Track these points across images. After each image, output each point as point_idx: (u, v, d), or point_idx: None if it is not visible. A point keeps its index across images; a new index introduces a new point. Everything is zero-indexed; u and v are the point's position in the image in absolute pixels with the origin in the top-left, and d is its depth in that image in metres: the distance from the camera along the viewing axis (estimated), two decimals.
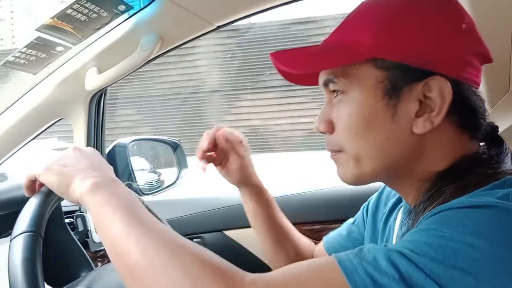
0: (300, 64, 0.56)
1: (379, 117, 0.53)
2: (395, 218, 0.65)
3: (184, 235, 1.22)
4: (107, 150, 1.18)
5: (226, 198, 1.25)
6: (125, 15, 0.91)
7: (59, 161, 0.60)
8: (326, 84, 0.57)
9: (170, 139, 1.46)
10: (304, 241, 0.87)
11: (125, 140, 1.23)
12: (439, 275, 0.39)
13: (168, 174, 1.46)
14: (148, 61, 0.96)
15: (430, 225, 0.44)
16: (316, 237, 1.09)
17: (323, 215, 1.13)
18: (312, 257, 0.86)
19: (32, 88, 1.03)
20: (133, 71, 0.96)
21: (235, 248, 1.16)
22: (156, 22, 0.91)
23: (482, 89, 1.02)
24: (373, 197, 0.78)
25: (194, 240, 1.21)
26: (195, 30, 0.95)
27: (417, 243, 0.42)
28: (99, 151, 1.12)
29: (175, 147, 1.45)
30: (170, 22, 0.92)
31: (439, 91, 0.51)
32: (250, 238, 1.12)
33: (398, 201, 0.69)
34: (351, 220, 0.83)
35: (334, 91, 0.56)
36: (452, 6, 0.54)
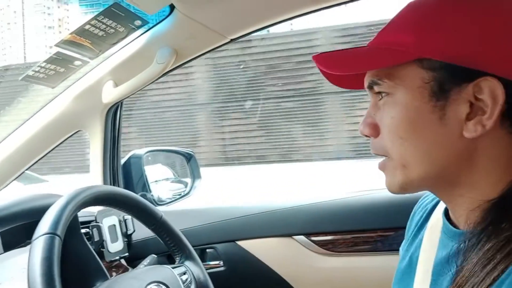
0: (344, 65, 0.54)
1: (425, 119, 0.50)
2: (424, 231, 0.63)
3: (198, 245, 1.23)
4: (122, 161, 1.20)
5: (239, 208, 1.26)
6: (141, 30, 0.94)
7: None
8: (370, 87, 0.54)
9: (184, 150, 1.48)
10: None
11: (140, 151, 1.25)
12: None
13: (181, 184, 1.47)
14: (163, 74, 0.98)
15: None
16: (326, 248, 1.09)
17: (334, 226, 1.13)
18: None
19: (50, 101, 1.05)
20: (149, 84, 0.98)
21: (248, 258, 1.16)
22: (171, 36, 0.93)
23: None
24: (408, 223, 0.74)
25: (207, 250, 1.22)
26: (209, 43, 0.97)
27: None
28: (115, 162, 1.14)
29: (188, 157, 1.47)
30: (185, 36, 0.94)
31: (491, 93, 0.47)
32: (263, 249, 1.13)
33: (429, 213, 0.65)
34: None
35: (379, 93, 0.54)
36: (503, 0, 0.50)
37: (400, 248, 0.73)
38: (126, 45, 0.97)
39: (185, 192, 1.41)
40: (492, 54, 0.48)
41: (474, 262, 0.45)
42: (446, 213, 0.58)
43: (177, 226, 0.90)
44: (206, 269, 0.93)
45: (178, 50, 0.95)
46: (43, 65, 0.96)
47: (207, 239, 1.23)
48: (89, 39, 0.91)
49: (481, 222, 0.48)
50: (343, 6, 0.93)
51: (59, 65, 0.97)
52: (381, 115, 0.54)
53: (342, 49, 0.56)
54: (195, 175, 1.44)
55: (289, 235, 1.10)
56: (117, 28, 0.90)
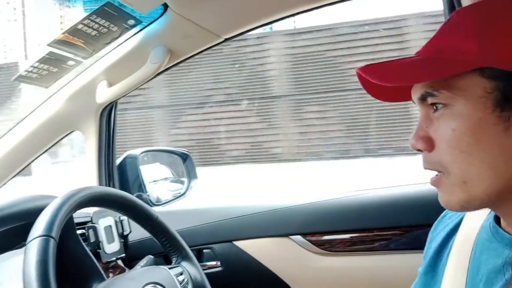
0: (397, 77, 0.51)
1: (490, 131, 0.47)
2: (453, 242, 0.61)
3: (194, 246, 1.23)
4: (118, 161, 1.19)
5: (236, 208, 1.26)
6: (135, 29, 0.93)
7: None
8: (423, 98, 0.51)
9: (180, 149, 1.47)
10: None
11: (136, 151, 1.24)
12: None
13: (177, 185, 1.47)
14: (158, 73, 0.97)
15: None
16: (323, 248, 1.09)
17: (331, 226, 1.13)
18: None
19: (44, 102, 1.05)
20: (143, 84, 0.97)
21: (245, 258, 1.16)
22: (165, 35, 0.92)
23: None
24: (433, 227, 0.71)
25: (204, 251, 1.21)
26: (203, 43, 0.96)
27: None
28: (110, 162, 1.13)
29: (184, 157, 1.46)
30: (179, 36, 0.93)
31: None
32: (260, 249, 1.12)
33: (457, 225, 0.63)
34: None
35: (433, 104, 0.50)
36: None
37: (419, 270, 0.69)
38: (119, 44, 0.96)
39: (181, 193, 1.41)
40: None
41: None
42: (496, 221, 0.55)
43: (174, 227, 0.89)
44: (203, 270, 0.93)
45: (172, 50, 0.95)
46: (36, 65, 0.95)
47: (204, 240, 1.22)
48: (82, 38, 0.90)
49: None
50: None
51: (52, 65, 0.96)
52: (437, 128, 0.50)
53: (390, 60, 0.52)
54: (191, 175, 1.44)
55: (286, 235, 1.09)
56: (110, 28, 0.89)
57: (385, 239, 1.06)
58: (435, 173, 0.52)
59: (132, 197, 0.82)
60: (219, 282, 0.95)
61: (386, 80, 0.51)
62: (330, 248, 1.08)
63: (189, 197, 1.39)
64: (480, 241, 0.56)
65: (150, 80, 0.97)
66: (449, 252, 0.60)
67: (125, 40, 0.96)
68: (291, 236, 1.09)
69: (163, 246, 0.86)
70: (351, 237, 1.07)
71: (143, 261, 0.98)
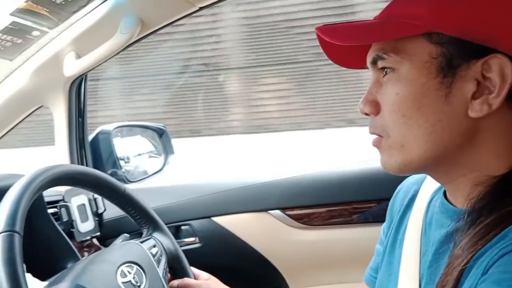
0: (348, 37, 0.52)
1: (431, 97, 0.48)
2: (409, 216, 0.62)
3: (172, 222, 1.21)
4: (90, 137, 1.15)
5: (214, 184, 1.24)
6: None
7: None
8: (374, 62, 0.52)
9: (155, 124, 1.44)
10: None
11: (109, 126, 1.20)
12: None
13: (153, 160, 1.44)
14: (129, 45, 0.93)
15: (503, 275, 0.40)
16: (301, 221, 1.09)
17: (309, 200, 1.13)
18: None
19: (9, 75, 0.99)
20: (114, 56, 0.93)
21: (224, 234, 1.15)
22: (136, 3, 0.88)
23: None
24: (389, 203, 0.72)
25: (183, 227, 1.20)
26: (177, 11, 0.92)
27: None
28: (81, 138, 1.09)
29: (160, 133, 1.43)
30: (150, 4, 0.89)
31: (500, 71, 0.46)
32: (239, 224, 1.12)
33: (411, 198, 0.64)
34: (378, 245, 0.77)
35: (383, 68, 0.51)
36: None
37: (382, 229, 0.73)
38: (87, 13, 0.91)
39: (158, 168, 1.38)
40: (505, 30, 0.46)
41: (471, 235, 0.45)
42: (444, 193, 0.56)
43: (151, 204, 0.87)
44: (182, 246, 0.91)
45: (143, 19, 0.90)
46: None
47: (182, 216, 1.21)
48: (47, 7, 0.85)
49: (484, 198, 0.47)
50: None
51: (15, 36, 0.91)
52: (384, 92, 0.51)
53: (348, 22, 0.53)
54: (168, 151, 1.41)
55: (265, 209, 1.09)
56: None
57: (363, 212, 1.07)
58: None
59: (97, 172, 0.79)
60: (198, 258, 0.94)
61: (340, 39, 0.52)
62: (309, 222, 1.08)
63: (165, 173, 1.36)
64: (430, 214, 0.58)
65: (121, 51, 0.93)
66: (406, 228, 0.61)
67: (93, 9, 0.91)
68: (269, 211, 1.09)
69: (133, 218, 0.84)
70: (329, 210, 1.08)
71: (118, 240, 0.96)
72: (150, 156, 1.47)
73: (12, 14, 0.85)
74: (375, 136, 0.54)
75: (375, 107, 0.53)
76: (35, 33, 0.91)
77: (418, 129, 0.49)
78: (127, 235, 1.00)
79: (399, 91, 0.49)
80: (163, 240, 0.84)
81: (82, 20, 0.92)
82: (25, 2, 0.83)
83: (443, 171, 0.53)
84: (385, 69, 0.51)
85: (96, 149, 1.15)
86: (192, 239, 1.19)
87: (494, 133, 0.49)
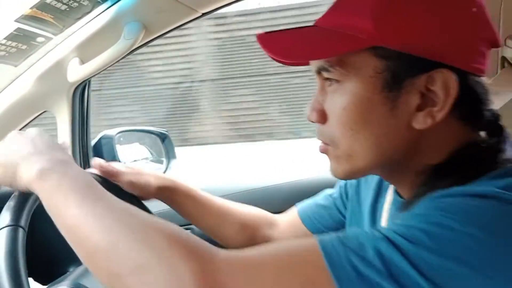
0: (290, 52, 0.51)
1: (377, 111, 0.48)
2: (382, 205, 0.63)
3: None
4: (93, 142, 1.16)
5: (216, 188, 1.24)
6: (107, 4, 0.89)
7: (0, 150, 0.57)
8: (319, 72, 0.52)
9: (158, 129, 1.44)
10: (248, 214, 0.83)
11: (111, 131, 1.21)
12: (432, 265, 0.38)
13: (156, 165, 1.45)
14: (132, 50, 0.94)
15: (428, 210, 0.42)
16: None
17: None
18: (273, 228, 0.83)
19: (13, 81, 1.00)
20: (117, 61, 0.94)
21: None
22: (139, 10, 0.89)
23: None
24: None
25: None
26: (180, 17, 0.93)
27: (412, 229, 0.40)
28: (84, 143, 1.10)
29: (163, 137, 1.43)
30: (154, 10, 0.90)
31: (444, 85, 0.46)
32: None
33: (379, 187, 0.65)
34: (328, 191, 0.79)
35: (328, 79, 0.52)
36: None
37: (342, 186, 0.76)
38: (91, 20, 0.92)
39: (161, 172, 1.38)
40: (449, 43, 0.47)
41: None
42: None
43: (153, 208, 0.88)
44: None
45: (147, 25, 0.91)
46: (3, 42, 0.91)
47: (184, 220, 1.21)
48: (52, 13, 0.86)
49: (423, 184, 0.49)
50: None
51: (20, 42, 0.92)
52: (330, 103, 0.52)
53: (288, 29, 0.52)
54: (170, 155, 1.42)
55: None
56: (81, 2, 0.85)
57: None
58: None
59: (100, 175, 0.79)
60: None
61: (283, 56, 0.52)
62: None
63: None
64: (390, 206, 0.60)
65: (124, 57, 0.93)
66: (381, 215, 0.63)
67: (97, 15, 0.91)
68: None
69: None
70: None
71: None
72: (152, 161, 1.47)
73: (17, 21, 0.86)
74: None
75: (322, 116, 0.53)
76: (39, 39, 0.92)
77: (365, 141, 0.50)
78: None
79: (345, 105, 0.50)
80: None
81: (86, 26, 0.93)
82: (30, 8, 0.84)
83: (388, 173, 0.55)
84: (330, 80, 0.51)
85: (99, 153, 1.16)
86: None
87: (435, 138, 0.50)
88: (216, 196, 0.84)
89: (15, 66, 0.98)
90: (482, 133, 0.52)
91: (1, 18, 0.88)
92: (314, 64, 0.53)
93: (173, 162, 1.42)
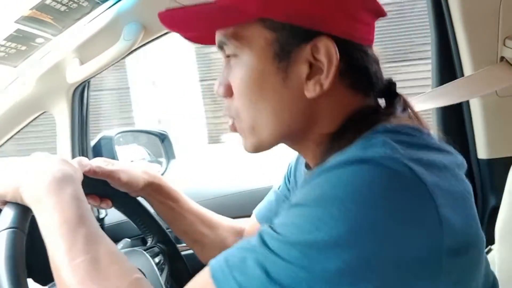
0: (187, 26, 0.54)
1: (270, 81, 0.51)
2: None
3: None
4: (92, 143, 1.16)
5: (213, 189, 1.25)
6: (107, 4, 0.89)
7: (14, 170, 0.59)
8: (220, 47, 0.54)
9: (157, 130, 1.45)
10: (222, 225, 0.84)
11: (111, 132, 1.21)
12: (306, 254, 0.39)
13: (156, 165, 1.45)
14: (132, 51, 0.94)
15: (298, 199, 0.44)
16: None
17: None
18: (242, 234, 0.84)
19: (12, 82, 1.00)
20: (116, 62, 0.94)
21: None
22: (139, 11, 0.89)
23: (468, 64, 1.03)
24: (293, 160, 0.76)
25: None
26: None
27: (285, 225, 0.42)
28: (84, 144, 1.10)
29: (162, 138, 1.44)
30: (153, 11, 0.89)
31: (326, 53, 0.48)
32: None
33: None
34: (275, 186, 0.81)
35: (228, 55, 0.54)
36: None
37: (285, 176, 0.78)
38: (91, 21, 0.92)
39: (160, 174, 1.38)
40: (327, 13, 0.49)
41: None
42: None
43: (152, 209, 0.88)
44: (182, 251, 0.92)
45: (146, 26, 0.91)
46: (2, 43, 0.91)
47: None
48: (51, 14, 0.86)
49: (322, 155, 0.51)
50: None
51: (20, 43, 0.92)
52: (232, 77, 0.53)
53: (188, 6, 0.53)
54: (169, 156, 1.42)
55: None
56: (80, 3, 0.85)
57: None
58: None
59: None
60: (198, 262, 0.94)
61: (177, 29, 0.54)
62: None
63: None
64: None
65: (124, 57, 0.94)
66: None
67: (97, 16, 0.92)
68: None
69: (138, 227, 0.84)
70: None
71: (119, 245, 0.96)
72: (151, 161, 1.47)
73: (17, 22, 0.86)
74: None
75: (228, 90, 0.54)
76: (39, 40, 0.92)
77: (263, 111, 0.52)
78: (129, 240, 1.01)
79: (242, 77, 0.52)
80: (167, 250, 0.84)
81: (85, 27, 0.93)
82: (30, 10, 0.84)
83: (293, 144, 0.56)
84: (230, 55, 0.53)
85: (98, 154, 1.16)
86: None
87: (329, 106, 0.52)
88: (196, 203, 0.84)
89: (15, 67, 0.98)
90: (381, 101, 0.55)
91: (0, 19, 0.88)
92: (216, 40, 0.54)
93: (173, 163, 1.42)
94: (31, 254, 0.62)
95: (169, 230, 0.88)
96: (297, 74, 0.50)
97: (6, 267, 0.51)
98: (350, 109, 0.52)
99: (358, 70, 0.51)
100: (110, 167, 0.74)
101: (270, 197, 0.80)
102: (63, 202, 0.54)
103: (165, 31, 0.96)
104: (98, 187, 0.73)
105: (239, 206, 1.15)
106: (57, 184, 0.55)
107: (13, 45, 0.92)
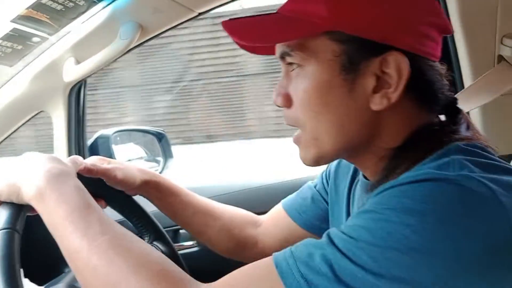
0: (254, 36, 0.54)
1: (336, 93, 0.51)
2: (356, 191, 0.65)
3: (170, 226, 1.20)
4: (89, 142, 1.16)
5: (213, 187, 1.24)
6: (103, 3, 0.89)
7: (6, 169, 0.59)
8: (282, 57, 0.54)
9: (155, 129, 1.44)
10: (232, 214, 0.84)
11: (108, 131, 1.20)
12: (375, 258, 0.40)
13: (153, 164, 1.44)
14: (128, 50, 0.93)
15: (371, 206, 0.44)
16: None
17: None
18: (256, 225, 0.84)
19: (8, 81, 1.00)
20: (113, 61, 0.93)
21: None
22: (135, 10, 0.89)
23: (466, 63, 1.03)
24: (334, 163, 0.76)
25: (181, 231, 1.20)
26: (176, 17, 0.93)
27: (356, 228, 0.42)
28: (80, 143, 1.10)
29: (160, 137, 1.43)
30: (150, 10, 0.89)
31: (396, 67, 0.49)
32: None
33: (354, 172, 0.67)
34: (310, 183, 0.81)
35: (291, 63, 0.54)
36: None
37: (323, 175, 0.77)
38: (87, 19, 0.92)
39: (158, 172, 1.38)
40: (397, 28, 0.49)
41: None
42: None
43: (150, 208, 0.87)
44: (180, 250, 0.91)
45: (143, 25, 0.91)
46: None
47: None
48: (47, 13, 0.86)
49: (385, 169, 0.51)
50: None
51: (16, 42, 0.91)
52: (293, 87, 0.54)
53: (253, 16, 0.54)
54: (167, 155, 1.42)
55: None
56: (76, 2, 0.85)
57: None
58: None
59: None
60: (196, 262, 0.94)
61: (245, 39, 0.54)
62: None
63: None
64: (359, 188, 0.62)
65: (120, 57, 0.93)
66: (354, 198, 0.65)
67: (93, 15, 0.91)
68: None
69: (134, 225, 0.84)
70: None
71: None
72: (149, 160, 1.47)
73: (13, 21, 0.86)
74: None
75: (287, 100, 0.55)
76: (35, 39, 0.92)
77: (327, 123, 0.52)
78: None
79: (306, 88, 0.52)
80: (164, 249, 0.84)
81: (81, 26, 0.92)
82: (26, 9, 0.84)
83: (353, 156, 0.56)
84: (293, 64, 0.53)
85: (95, 153, 1.15)
86: (190, 243, 1.19)
87: (394, 120, 0.52)
88: (198, 195, 0.84)
89: (11, 66, 0.97)
90: (442, 117, 0.55)
91: None
92: (278, 50, 0.55)
93: (170, 162, 1.41)
94: (27, 254, 0.61)
95: (166, 229, 0.88)
96: (363, 87, 0.50)
97: (1, 267, 0.51)
98: (415, 124, 0.52)
99: (426, 84, 0.52)
100: (106, 165, 0.74)
101: (305, 193, 0.80)
102: (67, 194, 0.54)
103: (162, 30, 0.95)
104: (92, 186, 0.73)
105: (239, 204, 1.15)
106: (56, 178, 0.55)
107: (9, 44, 0.92)
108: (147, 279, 0.46)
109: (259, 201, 1.12)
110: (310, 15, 0.50)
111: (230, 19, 0.54)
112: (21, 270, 0.56)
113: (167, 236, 0.86)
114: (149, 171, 0.80)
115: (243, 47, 0.59)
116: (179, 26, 0.97)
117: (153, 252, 0.50)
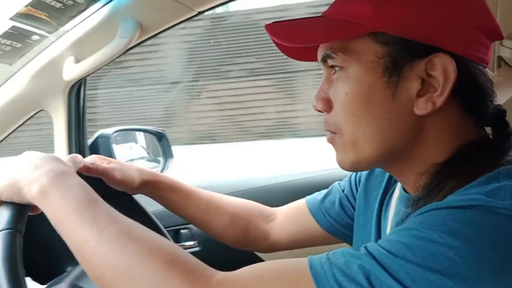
0: (296, 38, 0.53)
1: (378, 95, 0.49)
2: (390, 201, 0.63)
3: (172, 226, 1.21)
4: (89, 141, 1.15)
5: (213, 187, 1.24)
6: (102, 1, 0.88)
7: (6, 169, 0.59)
8: (324, 60, 0.53)
9: (155, 128, 1.44)
10: (239, 205, 0.83)
11: (108, 130, 1.20)
12: (413, 277, 0.39)
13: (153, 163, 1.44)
14: (128, 49, 0.93)
15: (413, 224, 0.43)
16: None
17: None
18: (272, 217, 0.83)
19: (8, 79, 1.00)
20: (113, 60, 0.93)
21: None
22: (135, 8, 0.88)
23: None
24: (364, 172, 0.74)
25: (182, 231, 1.20)
26: (176, 16, 0.92)
27: (396, 244, 0.41)
28: (81, 142, 1.09)
29: (160, 136, 1.43)
30: (150, 8, 0.89)
31: (443, 70, 0.47)
32: None
33: (388, 182, 0.66)
34: (337, 185, 0.79)
35: (332, 66, 0.53)
36: None
37: (352, 181, 0.75)
38: (86, 18, 0.91)
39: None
40: (446, 30, 0.48)
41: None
42: None
43: (150, 208, 0.87)
44: None
45: (142, 23, 0.90)
46: None
47: (181, 219, 1.21)
48: (46, 11, 0.85)
49: (429, 185, 0.49)
50: None
51: (15, 40, 0.91)
52: (335, 90, 0.53)
53: (296, 19, 0.53)
54: (167, 155, 1.41)
55: None
56: (76, 0, 0.84)
57: None
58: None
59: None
60: None
61: (287, 40, 0.53)
62: None
63: None
64: (397, 201, 0.61)
65: (120, 55, 0.93)
66: (388, 210, 0.63)
67: (93, 13, 0.91)
68: None
69: None
70: None
71: None
72: (149, 160, 1.47)
73: (11, 19, 0.86)
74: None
75: (327, 104, 0.54)
76: (34, 37, 0.91)
77: (367, 127, 0.50)
78: None
79: (348, 91, 0.51)
80: None
81: (81, 25, 0.92)
82: (25, 6, 0.83)
83: (393, 165, 0.55)
84: (335, 67, 0.52)
85: (96, 153, 1.15)
86: (191, 242, 1.19)
87: (438, 128, 0.50)
88: (202, 189, 0.83)
89: (10, 64, 0.97)
90: (487, 129, 0.53)
91: None
92: (320, 53, 0.54)
93: (170, 161, 1.41)
94: (29, 253, 0.61)
95: (167, 229, 0.88)
96: (407, 90, 0.49)
97: (4, 267, 0.51)
98: (462, 138, 0.50)
99: (473, 89, 0.50)
100: (105, 164, 0.74)
101: (333, 196, 0.78)
102: (71, 190, 0.53)
103: (162, 28, 0.95)
104: (91, 185, 0.73)
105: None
106: (58, 176, 0.55)
107: (8, 42, 0.91)
108: (162, 263, 0.45)
109: (260, 201, 1.12)
110: (355, 16, 0.49)
111: (274, 22, 0.53)
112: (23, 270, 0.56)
113: (168, 236, 0.85)
114: (149, 171, 0.80)
115: (283, 51, 0.58)
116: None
117: (165, 239, 0.50)
